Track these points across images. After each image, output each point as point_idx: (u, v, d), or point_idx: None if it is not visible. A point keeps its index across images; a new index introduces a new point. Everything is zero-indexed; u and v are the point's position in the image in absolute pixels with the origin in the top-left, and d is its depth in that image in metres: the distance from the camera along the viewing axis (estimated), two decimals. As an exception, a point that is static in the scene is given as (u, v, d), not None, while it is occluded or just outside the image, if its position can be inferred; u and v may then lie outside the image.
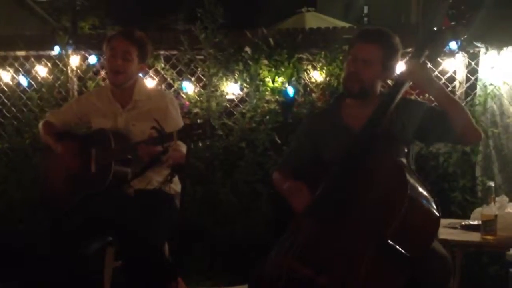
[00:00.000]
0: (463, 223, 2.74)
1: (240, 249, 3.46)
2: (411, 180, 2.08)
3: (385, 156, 2.18)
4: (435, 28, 2.26)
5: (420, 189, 2.10)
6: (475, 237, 2.57)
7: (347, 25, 6.25)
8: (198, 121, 2.32)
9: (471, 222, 2.72)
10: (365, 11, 12.51)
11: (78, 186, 2.72)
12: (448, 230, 2.68)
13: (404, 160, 2.24)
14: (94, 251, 2.64)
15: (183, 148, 2.60)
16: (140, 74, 2.91)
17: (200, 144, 2.36)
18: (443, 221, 2.70)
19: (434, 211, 2.09)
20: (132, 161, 2.62)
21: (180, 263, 2.52)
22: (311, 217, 2.20)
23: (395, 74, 2.40)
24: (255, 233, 3.44)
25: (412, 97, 3.16)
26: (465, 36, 2.31)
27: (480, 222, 2.56)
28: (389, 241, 1.99)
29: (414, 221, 2.04)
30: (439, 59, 3.45)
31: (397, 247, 2.00)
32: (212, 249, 3.54)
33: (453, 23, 2.24)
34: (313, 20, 7.51)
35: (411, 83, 2.27)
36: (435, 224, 2.11)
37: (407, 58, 2.35)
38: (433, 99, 2.37)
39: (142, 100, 2.78)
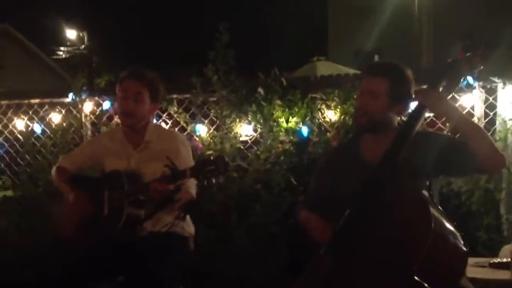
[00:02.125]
0: (492, 261, 2.62)
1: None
2: (436, 214, 2.00)
3: (406, 189, 2.10)
4: (451, 60, 2.24)
5: (445, 223, 2.02)
6: (505, 275, 2.46)
7: (358, 72, 6.28)
8: (211, 157, 2.28)
9: (500, 260, 2.61)
10: (376, 59, 12.68)
11: (91, 229, 2.66)
12: (476, 269, 2.56)
13: (426, 193, 2.16)
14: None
15: (192, 189, 2.56)
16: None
17: (213, 180, 2.30)
18: (470, 260, 2.58)
19: (461, 245, 2.00)
20: (145, 202, 2.57)
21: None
22: (330, 255, 2.12)
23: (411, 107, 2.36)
24: (271, 277, 3.32)
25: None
26: (481, 67, 2.26)
27: (509, 259, 2.46)
28: (415, 278, 1.89)
29: (441, 257, 1.95)
30: (456, 95, 3.41)
31: (424, 284, 1.90)
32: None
33: (468, 54, 2.20)
34: (324, 68, 7.59)
35: (428, 114, 2.22)
36: (463, 259, 2.02)
37: (424, 88, 2.29)
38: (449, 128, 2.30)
39: (154, 141, 2.75)
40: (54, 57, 17.52)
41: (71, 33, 17.27)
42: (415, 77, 2.33)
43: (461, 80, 2.27)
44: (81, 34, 17.47)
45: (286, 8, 16.29)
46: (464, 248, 1.99)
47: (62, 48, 17.80)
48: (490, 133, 3.40)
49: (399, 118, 2.35)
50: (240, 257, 3.50)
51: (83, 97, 4.03)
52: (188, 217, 2.74)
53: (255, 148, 3.69)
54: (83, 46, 17.56)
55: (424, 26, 10.80)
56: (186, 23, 17.87)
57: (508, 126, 3.35)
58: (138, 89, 2.68)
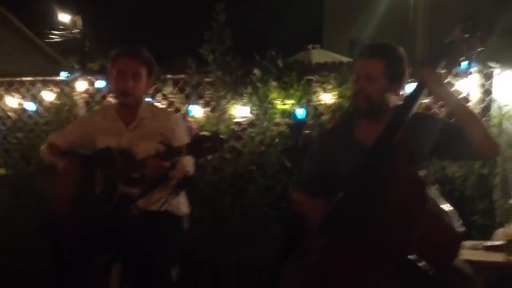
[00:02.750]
0: (486, 244, 2.63)
1: (249, 275, 3.32)
2: (431, 194, 1.99)
3: (402, 170, 2.09)
4: (449, 40, 2.21)
5: (441, 204, 2.01)
6: (499, 257, 2.47)
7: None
8: (207, 134, 2.25)
9: (494, 243, 2.61)
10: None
11: (83, 208, 2.63)
12: (471, 252, 2.58)
13: (421, 174, 2.15)
14: (99, 271, 2.54)
15: (189, 167, 2.53)
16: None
17: (209, 157, 2.27)
18: (465, 243, 2.59)
19: (457, 226, 2.00)
20: (139, 180, 2.54)
21: (189, 285, 2.40)
22: (324, 235, 2.12)
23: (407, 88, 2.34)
24: (265, 259, 3.31)
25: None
26: (480, 49, 2.24)
27: (503, 242, 2.47)
28: (409, 257, 1.89)
29: (436, 236, 1.95)
30: (452, 80, 3.40)
31: (418, 263, 1.89)
32: (220, 274, 3.41)
33: (467, 35, 2.18)
34: (319, 56, 7.55)
35: (426, 95, 2.20)
36: (458, 239, 2.02)
37: (422, 68, 2.26)
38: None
39: (147, 119, 2.72)
40: (48, 40, 17.35)
41: (64, 17, 17.11)
42: (410, 65, 2.30)
43: (460, 61, 2.25)
44: (74, 19, 17.30)
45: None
46: (460, 229, 2.00)
47: (55, 32, 17.63)
48: (485, 118, 3.40)
49: (395, 98, 2.32)
50: (234, 238, 3.48)
51: (76, 75, 3.98)
52: (183, 196, 2.71)
53: (250, 129, 3.65)
54: (76, 30, 17.40)
55: (419, 16, 10.77)
56: (181, 8, 17.76)
57: (503, 112, 3.34)
58: (137, 68, 2.64)
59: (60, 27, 17.42)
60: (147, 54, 2.70)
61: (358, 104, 2.27)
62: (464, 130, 2.12)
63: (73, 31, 17.26)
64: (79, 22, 17.13)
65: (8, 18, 15.03)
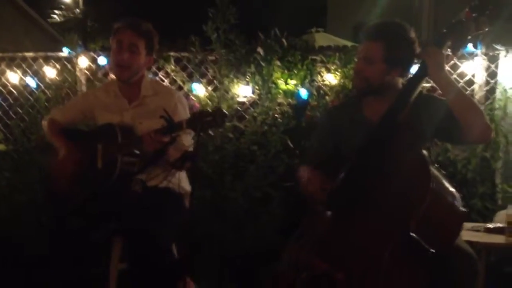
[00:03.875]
0: (487, 226, 2.63)
1: (250, 255, 3.33)
2: (435, 174, 1.98)
3: (406, 148, 2.09)
4: (457, 19, 2.18)
5: (445, 184, 2.01)
6: (499, 239, 2.49)
7: (356, 45, 6.18)
8: (209, 108, 2.23)
9: (495, 225, 2.61)
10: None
11: (85, 183, 2.62)
12: (472, 233, 2.59)
13: (426, 153, 2.14)
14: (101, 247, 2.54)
15: (187, 145, 2.51)
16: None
17: (210, 132, 2.26)
18: (466, 225, 2.59)
19: (459, 206, 2.00)
20: (140, 156, 2.53)
21: (190, 264, 2.40)
22: (329, 210, 2.12)
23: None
24: (266, 239, 3.31)
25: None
26: (487, 29, 2.20)
27: (504, 224, 2.47)
28: (412, 235, 1.88)
29: (438, 215, 1.96)
30: (457, 62, 3.37)
31: (420, 241, 1.89)
32: (220, 253, 3.41)
33: (475, 14, 2.14)
34: (323, 39, 7.47)
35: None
36: (460, 219, 2.02)
37: (426, 47, 2.22)
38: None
39: (149, 96, 2.70)
40: (49, 20, 17.23)
41: (65, -3, 16.97)
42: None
43: (467, 41, 2.22)
44: (76, -1, 17.17)
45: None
46: (462, 209, 2.00)
47: (56, 12, 17.51)
48: (490, 101, 3.38)
49: (401, 80, 2.30)
50: (234, 217, 3.48)
51: (78, 51, 3.95)
52: (184, 175, 2.70)
53: (253, 109, 3.63)
54: (77, 10, 17.27)
55: (425, 0, 10.68)
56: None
57: (508, 95, 3.32)
58: (133, 40, 2.60)
59: (62, 6, 17.33)
60: (146, 27, 2.65)
61: (356, 84, 2.30)
62: (460, 120, 2.08)
63: (74, 11, 17.16)
64: (81, 1, 17.02)
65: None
